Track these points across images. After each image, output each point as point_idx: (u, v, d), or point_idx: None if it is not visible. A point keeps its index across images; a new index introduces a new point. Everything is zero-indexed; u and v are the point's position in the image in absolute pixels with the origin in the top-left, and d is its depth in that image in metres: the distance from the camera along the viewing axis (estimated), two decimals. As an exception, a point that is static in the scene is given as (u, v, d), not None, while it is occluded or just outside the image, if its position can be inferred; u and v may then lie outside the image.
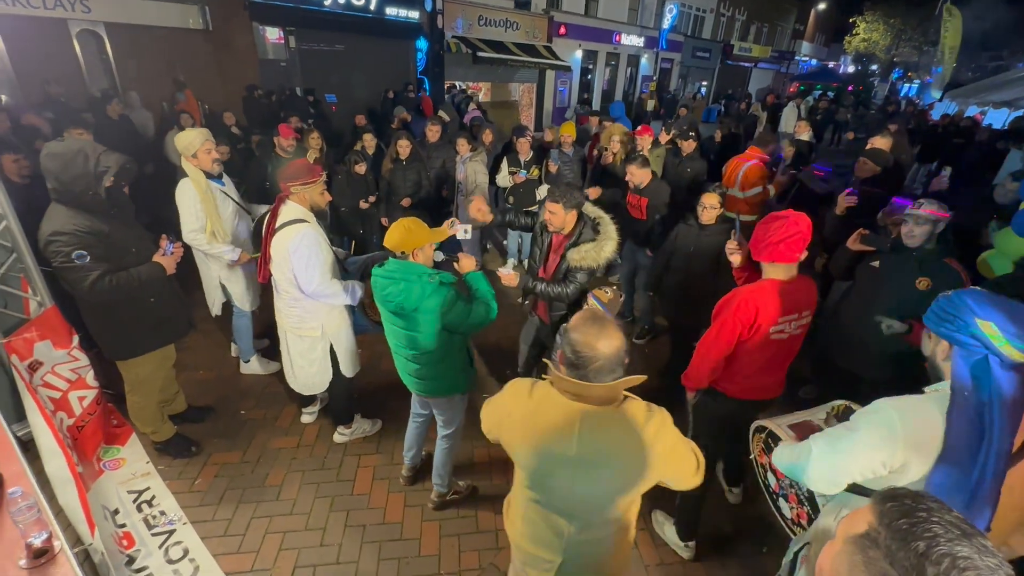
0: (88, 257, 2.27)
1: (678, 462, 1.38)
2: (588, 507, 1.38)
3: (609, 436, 1.30)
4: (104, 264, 2.32)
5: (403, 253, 2.18)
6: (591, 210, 2.73)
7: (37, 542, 1.41)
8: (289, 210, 2.57)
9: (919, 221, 2.40)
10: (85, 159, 2.23)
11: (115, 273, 2.35)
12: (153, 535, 2.51)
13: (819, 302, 4.00)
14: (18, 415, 2.60)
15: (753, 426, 2.00)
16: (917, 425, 1.22)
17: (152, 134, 7.15)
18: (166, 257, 2.56)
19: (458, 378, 2.42)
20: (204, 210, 3.05)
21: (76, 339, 2.79)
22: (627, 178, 3.97)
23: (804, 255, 1.97)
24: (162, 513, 2.62)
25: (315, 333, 2.77)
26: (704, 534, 2.58)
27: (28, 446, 2.46)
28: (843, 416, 1.94)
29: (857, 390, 2.76)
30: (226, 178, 3.31)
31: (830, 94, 21.23)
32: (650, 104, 16.73)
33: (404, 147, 4.74)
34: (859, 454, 1.25)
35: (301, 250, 2.48)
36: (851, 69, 35.09)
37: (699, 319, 3.35)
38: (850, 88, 26.84)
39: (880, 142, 4.23)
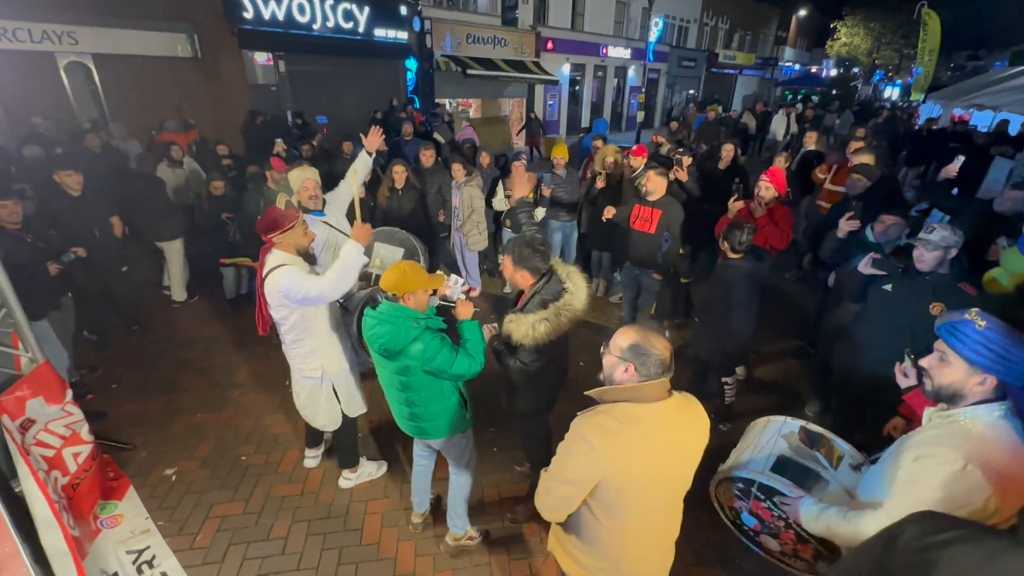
0: None
1: None
2: (669, 493, 1.53)
3: (693, 419, 1.50)
4: None
5: (395, 296, 2.12)
6: (563, 270, 2.36)
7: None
8: (274, 258, 2.49)
9: (928, 246, 2.37)
10: None
11: None
12: (155, 599, 2.40)
13: (817, 319, 3.97)
14: (11, 477, 2.49)
15: (718, 477, 2.10)
16: (1006, 463, 1.28)
17: (133, 163, 6.95)
18: None
19: (454, 418, 2.33)
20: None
21: (70, 393, 2.69)
22: (643, 183, 3.82)
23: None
24: (164, 575, 2.51)
25: (316, 374, 2.70)
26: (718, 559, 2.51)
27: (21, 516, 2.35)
28: (808, 440, 2.04)
29: (860, 406, 2.75)
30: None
31: (814, 98, 21.52)
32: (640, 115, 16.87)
33: (399, 174, 4.70)
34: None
35: (288, 280, 2.37)
36: (833, 72, 35.64)
37: (723, 350, 3.25)
38: (834, 92, 27.26)
39: (864, 157, 4.25)
